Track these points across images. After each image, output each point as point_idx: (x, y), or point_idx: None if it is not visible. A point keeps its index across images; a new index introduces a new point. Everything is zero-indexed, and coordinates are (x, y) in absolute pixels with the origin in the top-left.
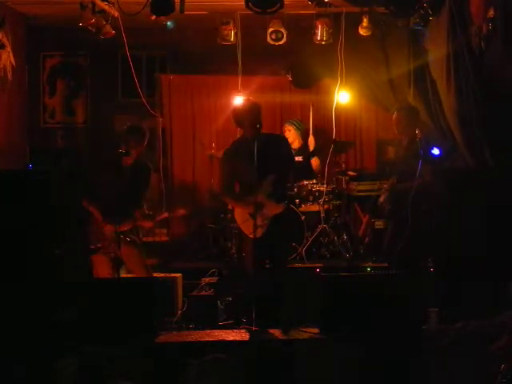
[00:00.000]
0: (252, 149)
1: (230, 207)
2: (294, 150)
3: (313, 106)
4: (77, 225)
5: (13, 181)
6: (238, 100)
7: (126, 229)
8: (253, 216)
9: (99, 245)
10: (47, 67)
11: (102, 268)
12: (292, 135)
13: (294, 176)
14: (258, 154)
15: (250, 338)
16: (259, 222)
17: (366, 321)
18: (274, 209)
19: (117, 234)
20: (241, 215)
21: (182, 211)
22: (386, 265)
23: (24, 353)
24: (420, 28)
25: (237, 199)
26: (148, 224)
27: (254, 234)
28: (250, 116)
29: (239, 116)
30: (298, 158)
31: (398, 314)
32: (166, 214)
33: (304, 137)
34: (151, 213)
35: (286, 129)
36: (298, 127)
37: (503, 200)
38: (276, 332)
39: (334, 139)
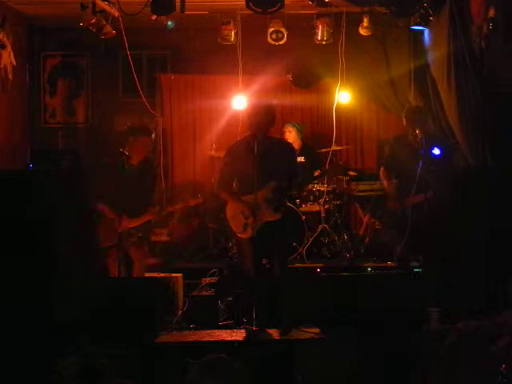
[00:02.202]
0: (257, 149)
1: None
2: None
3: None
4: (78, 225)
5: (13, 181)
6: (239, 100)
7: (137, 225)
8: (244, 215)
9: (110, 244)
10: (48, 67)
11: (112, 267)
12: (292, 136)
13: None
14: (263, 156)
15: (250, 338)
16: (250, 221)
17: (366, 321)
18: (269, 215)
19: (128, 232)
20: (231, 211)
21: (196, 200)
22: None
23: (25, 353)
24: (421, 28)
25: (232, 195)
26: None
27: (242, 232)
28: (267, 119)
29: (254, 117)
30: (299, 159)
31: (397, 313)
32: (180, 205)
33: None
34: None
35: (286, 129)
36: (298, 129)
37: (503, 200)
38: (276, 332)
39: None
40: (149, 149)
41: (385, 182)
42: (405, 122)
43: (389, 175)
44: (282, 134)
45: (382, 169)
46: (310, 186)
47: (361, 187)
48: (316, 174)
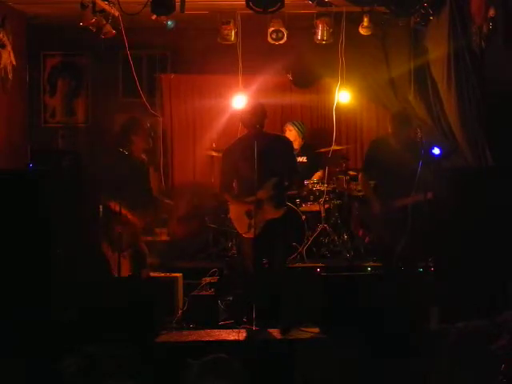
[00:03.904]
0: (255, 147)
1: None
2: (295, 150)
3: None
4: (78, 225)
5: (13, 181)
6: (239, 100)
7: (151, 219)
8: (249, 215)
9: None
10: (48, 67)
11: (125, 267)
12: (292, 135)
13: (298, 181)
14: (262, 153)
15: (250, 338)
16: (254, 222)
17: (366, 321)
18: (271, 213)
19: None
20: (235, 212)
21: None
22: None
23: (25, 353)
24: (421, 27)
25: (234, 197)
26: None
27: (247, 233)
28: (255, 116)
29: (244, 116)
30: (301, 159)
31: (397, 313)
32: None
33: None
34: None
35: (286, 128)
36: (299, 128)
37: (503, 200)
38: (276, 332)
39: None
40: (148, 142)
41: (361, 184)
42: (390, 127)
43: (366, 178)
44: (283, 133)
45: (360, 174)
46: (310, 186)
47: (361, 187)
48: (316, 176)
